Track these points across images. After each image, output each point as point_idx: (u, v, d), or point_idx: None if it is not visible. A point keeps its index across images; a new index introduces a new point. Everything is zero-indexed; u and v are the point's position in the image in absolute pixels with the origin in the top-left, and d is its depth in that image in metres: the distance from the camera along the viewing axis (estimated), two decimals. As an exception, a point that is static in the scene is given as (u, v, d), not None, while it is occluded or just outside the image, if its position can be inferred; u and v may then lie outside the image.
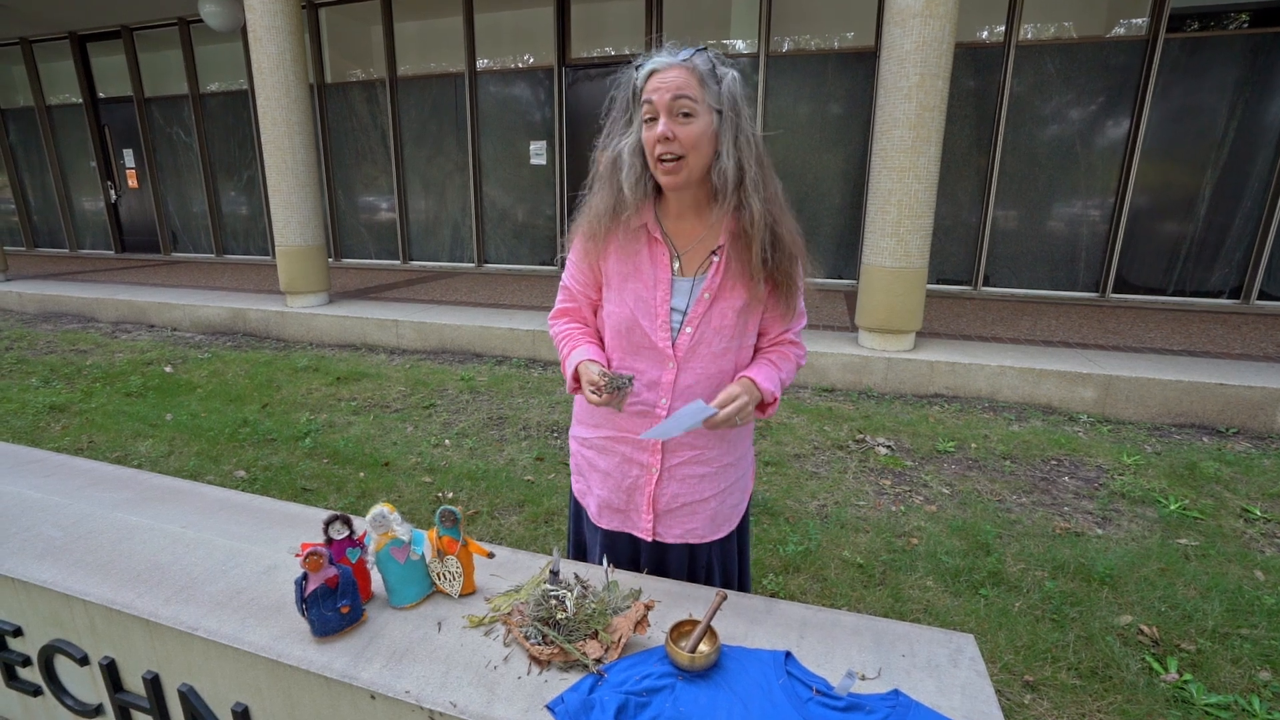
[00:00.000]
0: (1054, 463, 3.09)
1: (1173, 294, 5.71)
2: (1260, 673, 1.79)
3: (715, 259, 1.14)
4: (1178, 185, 5.54)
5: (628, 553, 1.33)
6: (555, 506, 2.66)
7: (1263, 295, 5.49)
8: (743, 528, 1.37)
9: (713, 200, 1.14)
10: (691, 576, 1.32)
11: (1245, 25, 5.25)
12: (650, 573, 1.29)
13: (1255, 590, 2.12)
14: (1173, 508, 2.65)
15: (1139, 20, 5.45)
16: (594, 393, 1.09)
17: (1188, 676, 1.77)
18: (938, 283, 6.25)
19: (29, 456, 1.76)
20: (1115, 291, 5.83)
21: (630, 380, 1.09)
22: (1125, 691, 1.73)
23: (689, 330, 1.15)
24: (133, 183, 9.48)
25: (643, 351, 1.18)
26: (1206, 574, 2.21)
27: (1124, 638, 1.93)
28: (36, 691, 1.28)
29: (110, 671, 1.17)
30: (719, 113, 1.06)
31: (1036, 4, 5.63)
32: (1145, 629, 1.96)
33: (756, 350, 1.24)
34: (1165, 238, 5.65)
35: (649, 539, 1.27)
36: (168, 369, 4.61)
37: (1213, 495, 2.76)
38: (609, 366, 1.21)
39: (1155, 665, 1.82)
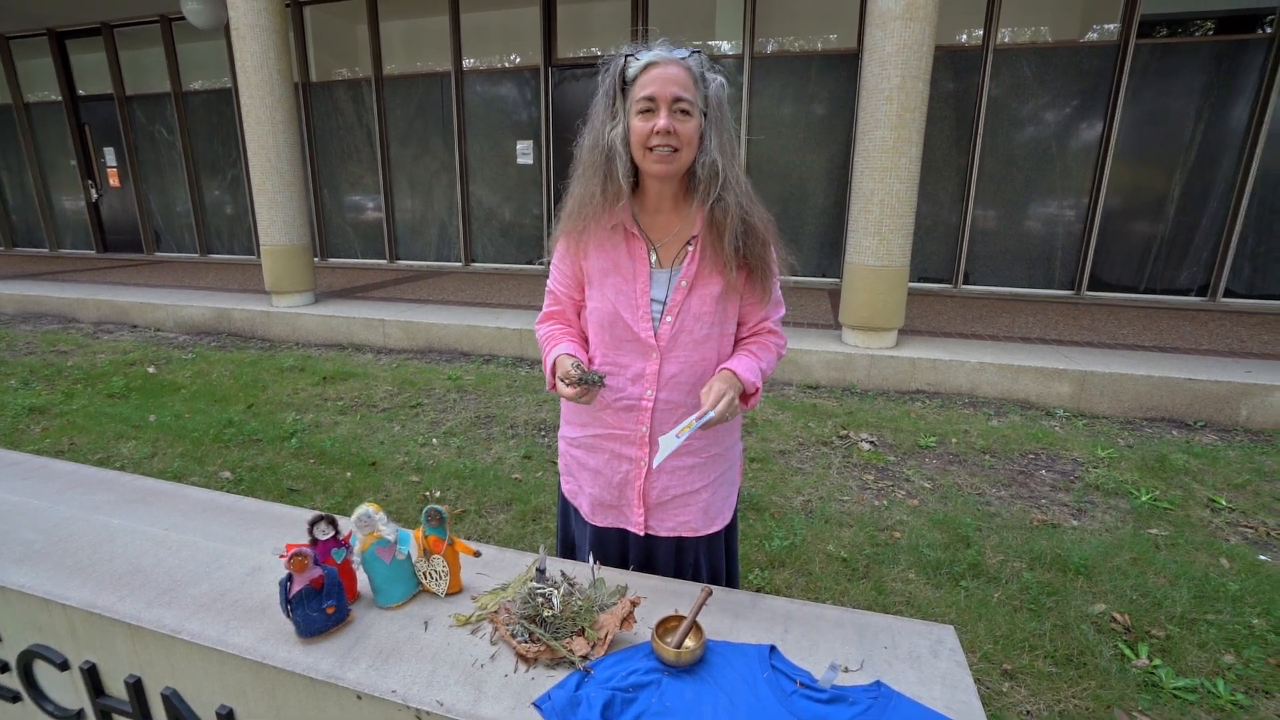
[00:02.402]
0: (1031, 457, 3.16)
1: (1144, 292, 5.84)
2: (1225, 656, 1.86)
3: (690, 248, 1.18)
4: (1148, 187, 5.67)
5: (617, 549, 1.35)
6: (543, 504, 2.67)
7: (1228, 293, 5.64)
8: (731, 525, 1.38)
9: (688, 195, 1.19)
10: (679, 573, 1.33)
11: (1211, 32, 5.38)
12: (638, 569, 1.31)
13: (1221, 577, 2.19)
14: (1144, 499, 2.72)
15: (1111, 26, 5.56)
16: (566, 384, 1.11)
17: (1157, 661, 1.83)
18: (919, 281, 6.33)
19: (7, 459, 1.74)
20: (1090, 289, 5.95)
21: (601, 379, 1.11)
22: (1099, 677, 1.78)
23: (669, 319, 1.18)
24: (114, 181, 9.32)
25: (626, 344, 1.20)
26: (1175, 562, 2.28)
27: (1098, 625, 1.98)
28: (15, 698, 1.27)
29: (91, 676, 1.16)
30: (704, 114, 1.12)
31: (1013, 8, 5.73)
32: (1118, 616, 2.01)
33: (737, 341, 1.26)
34: (1137, 237, 5.78)
35: (641, 533, 1.29)
36: (151, 370, 4.55)
37: (1181, 486, 2.84)
38: (590, 365, 1.23)
39: (1127, 651, 1.87)
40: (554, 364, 1.18)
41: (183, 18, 6.95)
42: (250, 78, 5.09)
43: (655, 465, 1.19)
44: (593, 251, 1.20)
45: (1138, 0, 5.34)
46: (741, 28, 6.32)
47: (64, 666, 1.18)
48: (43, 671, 1.23)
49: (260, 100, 5.13)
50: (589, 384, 1.10)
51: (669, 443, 1.11)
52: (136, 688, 1.12)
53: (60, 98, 9.19)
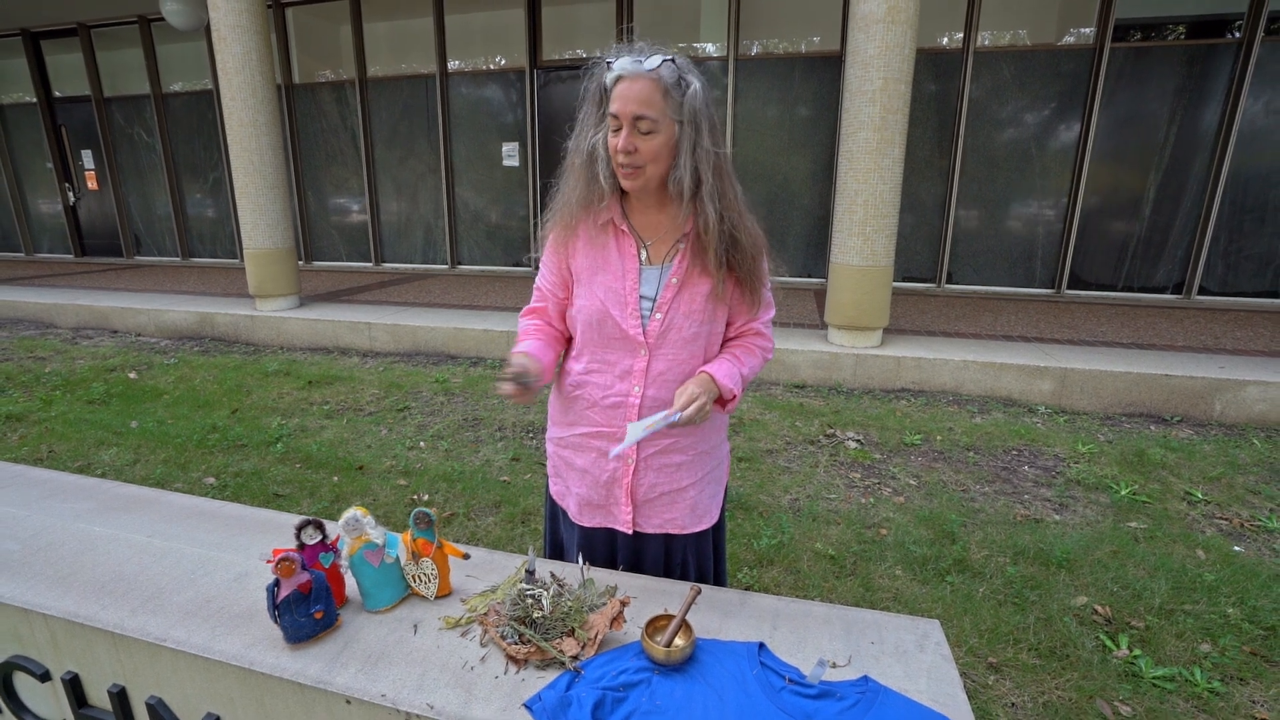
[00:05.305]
0: (1014, 453, 3.21)
1: (1122, 290, 5.95)
2: (1201, 645, 1.90)
3: (681, 246, 1.18)
4: (1125, 187, 5.78)
5: (605, 551, 1.35)
6: (532, 506, 2.67)
7: (1202, 290, 5.77)
8: (719, 525, 1.39)
9: (675, 198, 1.17)
10: (667, 573, 1.34)
11: (1183, 36, 5.50)
12: (626, 570, 1.31)
13: (1197, 568, 2.24)
14: (1123, 493, 2.78)
15: (1087, 29, 5.67)
16: (502, 380, 1.12)
17: (1137, 652, 1.87)
18: (903, 281, 6.40)
19: (-16, 469, 1.71)
20: (1069, 288, 6.05)
21: (535, 378, 1.12)
22: (1081, 669, 1.81)
23: (659, 316, 1.18)
24: (92, 184, 9.14)
25: (614, 342, 1.20)
26: (1154, 555, 2.32)
27: (1080, 618, 2.02)
28: (-4, 710, 1.25)
29: (74, 686, 1.14)
30: (679, 123, 1.09)
31: (992, 12, 5.82)
32: (1099, 609, 2.05)
33: (725, 341, 1.27)
34: (1114, 236, 5.89)
35: (629, 531, 1.29)
36: (132, 375, 4.47)
37: (1159, 480, 2.90)
38: (580, 360, 1.25)
39: (1108, 643, 1.91)
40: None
41: (162, 19, 6.86)
42: (232, 80, 5.03)
43: (612, 455, 1.17)
44: (581, 249, 1.21)
45: (1112, 4, 5.45)
46: (726, 30, 6.35)
47: (45, 678, 1.17)
48: (23, 683, 1.21)
49: (242, 102, 5.07)
50: (521, 380, 1.11)
51: (634, 431, 1.12)
52: (120, 697, 1.11)
53: (35, 99, 9.01)
